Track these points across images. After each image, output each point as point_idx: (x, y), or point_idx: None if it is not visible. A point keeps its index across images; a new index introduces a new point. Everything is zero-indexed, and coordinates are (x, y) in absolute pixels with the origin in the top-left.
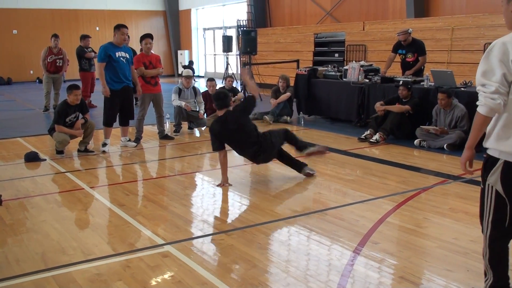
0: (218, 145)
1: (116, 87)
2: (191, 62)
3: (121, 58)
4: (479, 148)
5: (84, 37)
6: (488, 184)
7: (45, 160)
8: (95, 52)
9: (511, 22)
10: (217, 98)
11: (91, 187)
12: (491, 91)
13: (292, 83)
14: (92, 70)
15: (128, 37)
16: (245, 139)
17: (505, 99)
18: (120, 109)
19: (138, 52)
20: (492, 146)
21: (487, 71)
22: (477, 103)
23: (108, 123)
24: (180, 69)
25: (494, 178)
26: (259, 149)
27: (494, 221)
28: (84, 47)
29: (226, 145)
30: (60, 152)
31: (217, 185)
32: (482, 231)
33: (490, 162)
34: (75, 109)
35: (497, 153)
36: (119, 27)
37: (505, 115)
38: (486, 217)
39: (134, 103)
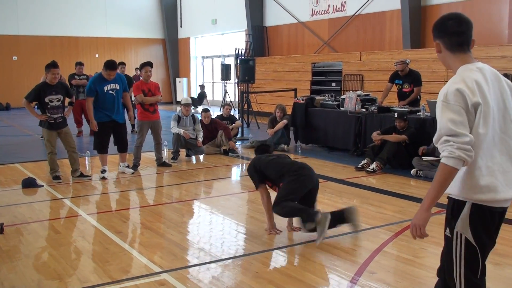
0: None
1: (104, 120)
2: (202, 87)
3: (110, 91)
4: None
5: (76, 64)
6: (457, 232)
7: (42, 186)
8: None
9: (443, 62)
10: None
11: (88, 214)
12: (465, 142)
13: (289, 111)
14: (80, 98)
15: (124, 64)
16: None
17: None
18: (114, 138)
19: (133, 78)
20: (456, 193)
21: (455, 120)
22: (445, 154)
23: (98, 150)
24: (180, 97)
25: (463, 224)
26: None
27: (466, 274)
28: (77, 74)
29: None
30: (56, 177)
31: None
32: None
33: (456, 206)
34: (56, 90)
35: (462, 196)
36: (107, 68)
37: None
38: (457, 271)
39: (131, 130)
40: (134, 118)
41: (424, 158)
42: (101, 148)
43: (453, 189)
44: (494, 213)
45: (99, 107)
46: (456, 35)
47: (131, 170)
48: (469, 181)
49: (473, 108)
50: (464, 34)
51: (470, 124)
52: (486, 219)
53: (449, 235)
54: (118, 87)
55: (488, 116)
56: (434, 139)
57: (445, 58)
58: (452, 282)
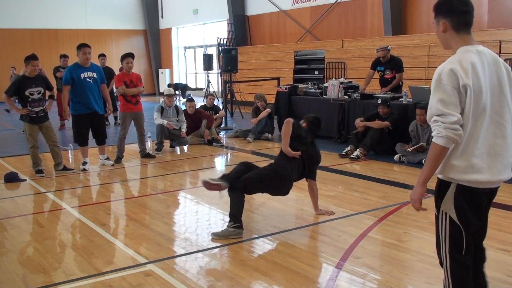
0: None
1: (82, 112)
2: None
3: (87, 79)
4: None
5: (61, 57)
6: (442, 211)
7: (25, 180)
8: None
9: (444, 43)
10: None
11: (72, 207)
12: (452, 121)
13: (273, 100)
14: None
15: (105, 56)
16: None
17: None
18: (92, 131)
19: (116, 71)
20: (443, 173)
21: (444, 100)
22: (434, 134)
23: (78, 143)
24: (162, 88)
25: (447, 204)
26: None
27: (451, 251)
28: (62, 67)
29: None
30: (39, 171)
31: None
32: (441, 264)
33: (442, 187)
34: (36, 83)
35: (448, 176)
36: (80, 47)
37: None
38: (443, 248)
39: (115, 122)
40: (117, 110)
41: (409, 149)
42: (80, 140)
43: (440, 169)
44: (480, 194)
45: (77, 97)
46: (464, 14)
47: (111, 162)
48: (456, 161)
49: (464, 89)
50: (470, 14)
51: (462, 105)
52: (471, 199)
53: (436, 214)
54: (95, 76)
55: (480, 99)
56: (427, 117)
57: (448, 38)
58: (441, 258)
